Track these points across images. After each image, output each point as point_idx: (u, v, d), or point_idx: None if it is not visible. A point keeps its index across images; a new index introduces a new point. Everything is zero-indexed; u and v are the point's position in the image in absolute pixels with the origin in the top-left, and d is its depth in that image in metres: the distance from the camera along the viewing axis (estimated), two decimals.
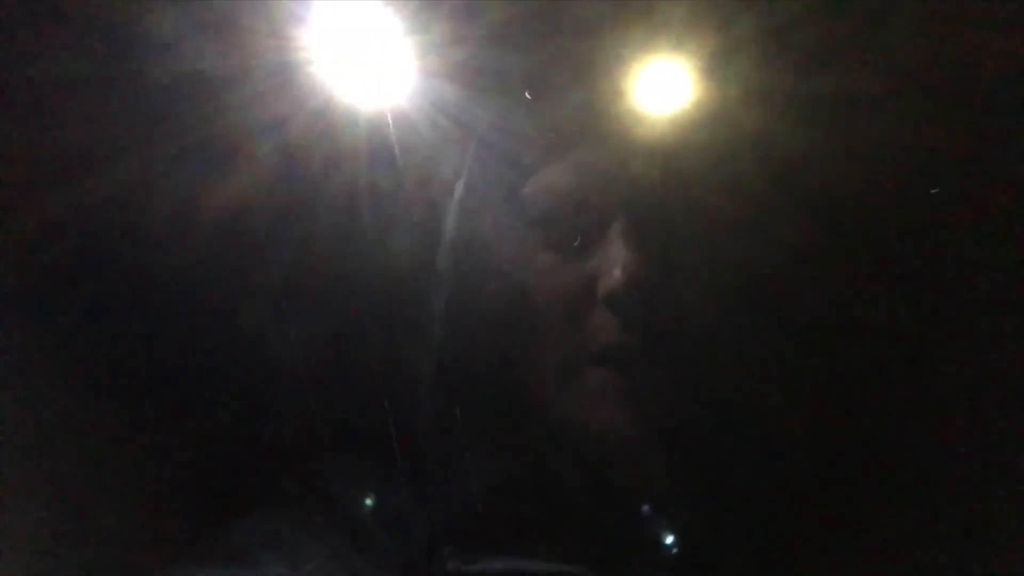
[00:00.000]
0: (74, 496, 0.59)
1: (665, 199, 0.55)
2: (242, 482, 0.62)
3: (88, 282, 0.60)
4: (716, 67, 0.56)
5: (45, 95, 0.54)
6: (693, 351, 0.56)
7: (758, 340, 0.57)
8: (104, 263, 0.60)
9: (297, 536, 0.55)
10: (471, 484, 0.56)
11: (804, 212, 0.57)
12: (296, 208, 0.58)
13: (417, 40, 0.53)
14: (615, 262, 0.54)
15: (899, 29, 0.56)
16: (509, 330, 0.58)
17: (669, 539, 0.57)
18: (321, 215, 0.58)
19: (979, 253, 0.58)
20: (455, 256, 0.57)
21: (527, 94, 0.57)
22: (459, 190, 0.58)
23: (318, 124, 0.54)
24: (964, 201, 0.58)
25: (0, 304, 0.57)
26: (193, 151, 0.56)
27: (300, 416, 0.64)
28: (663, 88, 0.56)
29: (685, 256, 0.56)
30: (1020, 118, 0.56)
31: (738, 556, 0.57)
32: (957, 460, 0.57)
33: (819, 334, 0.59)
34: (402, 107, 0.55)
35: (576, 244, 0.56)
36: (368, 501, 0.58)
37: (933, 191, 0.58)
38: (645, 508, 0.58)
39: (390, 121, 0.55)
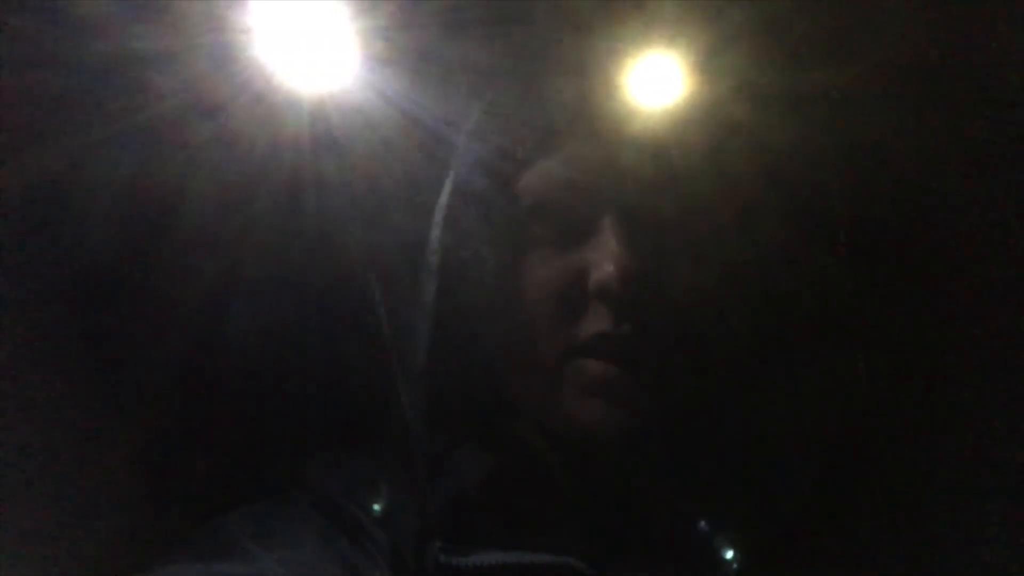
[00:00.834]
0: (74, 496, 0.58)
1: (657, 192, 0.56)
2: (232, 475, 0.62)
3: (30, 268, 0.58)
4: (708, 60, 0.56)
5: None
6: (685, 343, 0.56)
7: (750, 332, 0.58)
8: (45, 249, 0.58)
9: (285, 529, 0.55)
10: (462, 477, 0.56)
11: (796, 206, 0.58)
12: (236, 196, 0.56)
13: (362, 24, 0.52)
14: (606, 255, 0.54)
15: (893, 23, 0.56)
16: (498, 322, 0.58)
17: (661, 529, 0.57)
18: (262, 204, 0.56)
19: (979, 251, 0.58)
20: (446, 248, 0.57)
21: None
22: (447, 182, 0.58)
23: (259, 109, 0.53)
24: (962, 198, 0.58)
25: None
26: (128, 136, 0.54)
27: (290, 409, 0.64)
28: (655, 81, 0.56)
29: (677, 249, 0.56)
30: (1018, 114, 0.56)
31: (731, 544, 0.57)
32: (962, 460, 0.57)
33: (811, 327, 0.60)
34: (346, 92, 0.53)
35: (568, 237, 0.56)
36: (358, 495, 0.58)
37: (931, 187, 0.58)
38: (636, 499, 0.58)
39: (333, 107, 0.53)
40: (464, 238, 0.58)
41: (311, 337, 0.63)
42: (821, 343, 0.60)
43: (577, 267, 0.55)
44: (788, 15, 0.56)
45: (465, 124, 0.58)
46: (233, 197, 0.56)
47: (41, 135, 0.54)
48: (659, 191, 0.55)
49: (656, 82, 0.56)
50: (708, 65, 0.55)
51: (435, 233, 0.57)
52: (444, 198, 0.57)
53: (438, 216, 0.57)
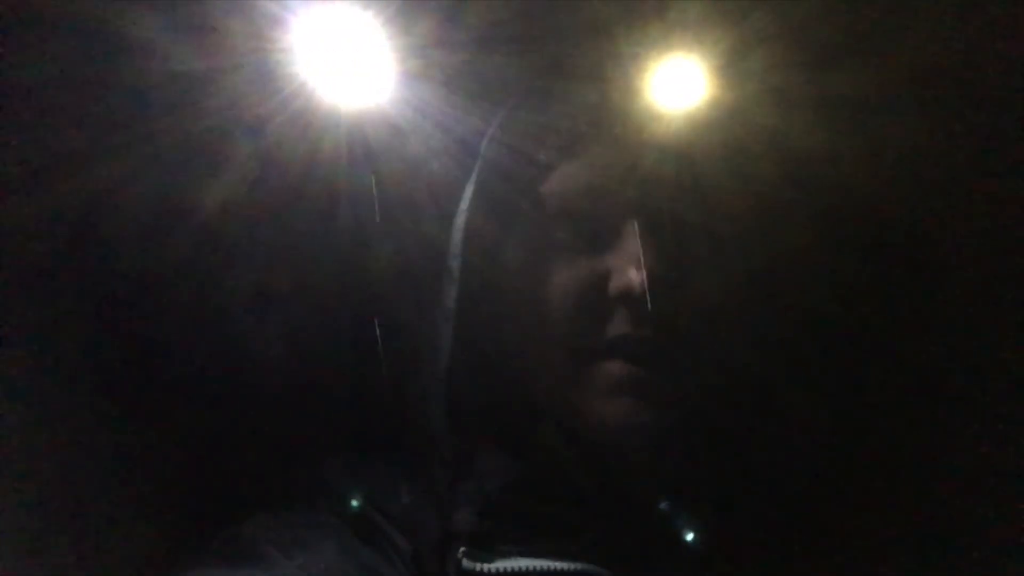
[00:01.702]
0: (77, 497, 0.59)
1: (679, 197, 0.56)
2: (255, 480, 0.62)
3: (75, 281, 0.60)
4: (731, 65, 0.56)
5: (27, 98, 0.53)
6: (707, 346, 0.56)
7: (772, 336, 0.58)
8: (89, 263, 0.60)
9: (307, 534, 0.55)
10: (484, 482, 0.56)
11: (818, 209, 0.58)
12: (275, 209, 0.57)
13: (399, 43, 0.53)
14: (629, 259, 0.54)
15: (915, 28, 0.57)
16: (520, 325, 0.58)
17: (688, 536, 0.57)
18: (299, 216, 0.57)
19: (996, 252, 0.59)
20: (467, 253, 0.57)
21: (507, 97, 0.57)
22: (468, 188, 0.58)
23: (299, 126, 0.54)
24: (980, 200, 0.59)
25: None
26: (174, 153, 0.56)
27: (314, 414, 0.65)
28: (678, 86, 0.56)
29: (699, 253, 0.56)
30: None
31: (757, 550, 0.57)
32: (966, 460, 0.58)
33: (833, 330, 0.60)
34: (384, 108, 0.55)
35: (590, 241, 0.56)
36: (380, 501, 0.58)
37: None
38: (662, 505, 0.57)
39: (370, 122, 0.55)
40: (486, 243, 0.58)
41: (335, 343, 0.65)
42: (842, 345, 0.60)
43: (600, 271, 0.55)
44: (811, 19, 0.57)
45: (489, 130, 0.59)
46: (272, 210, 0.58)
47: (87, 153, 0.55)
48: (681, 196, 0.56)
49: (679, 87, 0.56)
50: (731, 69, 0.56)
51: (456, 238, 0.57)
52: (465, 203, 0.58)
53: (459, 221, 0.57)
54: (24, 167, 0.55)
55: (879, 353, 0.62)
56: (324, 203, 0.58)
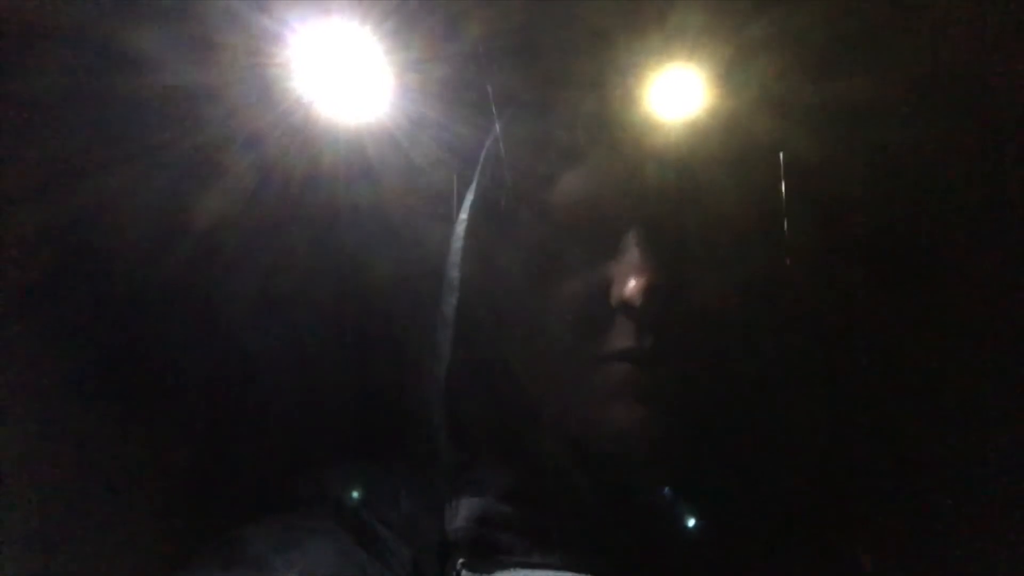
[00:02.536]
0: (80, 502, 0.59)
1: (680, 206, 0.55)
2: (256, 487, 0.63)
3: (72, 293, 0.60)
4: (731, 73, 0.56)
5: (26, 110, 0.54)
6: (708, 357, 0.56)
7: (773, 344, 0.57)
8: (92, 273, 0.60)
9: (306, 541, 0.55)
10: (484, 492, 0.56)
11: (819, 218, 0.58)
12: (274, 222, 0.58)
13: (396, 57, 0.53)
14: (630, 269, 0.54)
15: (915, 36, 0.57)
16: (523, 336, 0.58)
17: (691, 546, 0.56)
18: (298, 228, 0.58)
19: (1000, 261, 0.59)
20: (466, 262, 0.57)
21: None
22: (467, 198, 0.58)
23: (298, 139, 0.55)
24: (981, 208, 0.59)
25: None
26: (173, 166, 0.56)
27: (313, 422, 0.65)
28: (678, 94, 0.56)
29: (700, 263, 0.56)
30: None
31: (760, 557, 0.56)
32: (966, 462, 0.58)
33: (835, 339, 0.60)
34: (382, 121, 0.55)
35: (590, 250, 0.56)
36: (380, 509, 0.58)
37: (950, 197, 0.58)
38: (664, 516, 0.57)
39: (368, 136, 0.55)
40: (485, 252, 0.58)
41: (336, 352, 0.65)
42: (846, 354, 0.60)
43: (600, 281, 0.55)
44: (811, 27, 0.56)
45: (487, 140, 0.59)
46: (272, 222, 0.58)
47: (89, 165, 0.56)
48: (682, 205, 0.55)
49: (678, 95, 0.56)
50: (731, 78, 0.56)
51: (456, 247, 0.57)
52: (465, 212, 0.58)
53: (459, 230, 0.58)
54: (26, 179, 0.56)
55: (882, 363, 0.62)
56: (323, 215, 0.59)
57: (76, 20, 0.54)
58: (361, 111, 0.55)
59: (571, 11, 0.58)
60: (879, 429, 0.61)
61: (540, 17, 0.58)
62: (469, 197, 0.58)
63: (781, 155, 0.57)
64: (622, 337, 0.54)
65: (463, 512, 0.55)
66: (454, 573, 0.53)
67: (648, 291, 0.52)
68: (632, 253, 0.54)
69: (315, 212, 0.58)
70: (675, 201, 0.55)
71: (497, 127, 0.58)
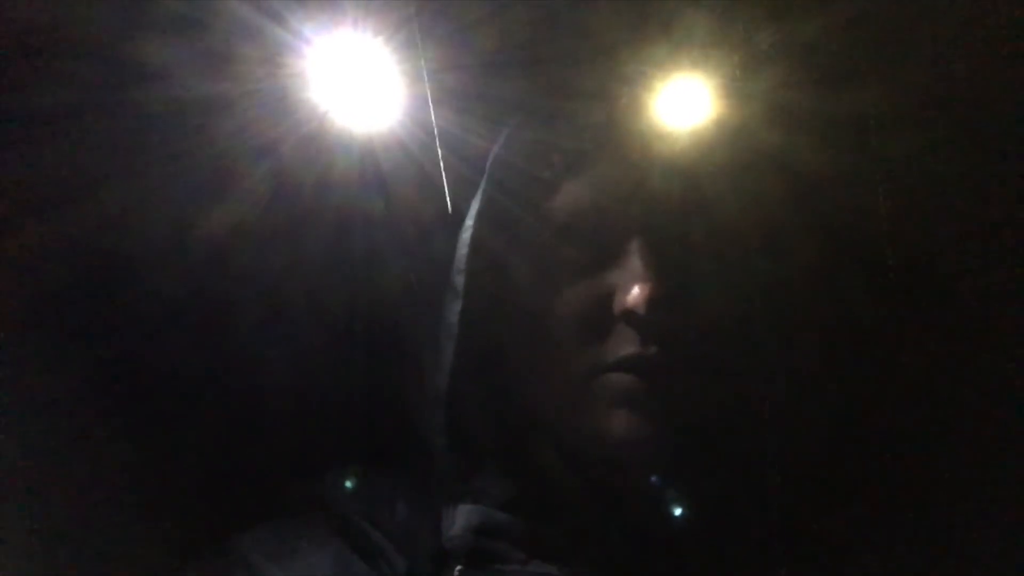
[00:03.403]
0: (81, 507, 0.59)
1: (684, 215, 0.56)
2: (249, 493, 0.62)
3: (88, 301, 0.61)
4: (737, 83, 0.56)
5: (41, 123, 0.55)
6: (711, 364, 0.56)
7: (777, 354, 0.58)
8: (106, 283, 0.61)
9: (301, 548, 0.55)
10: (484, 499, 0.56)
11: (824, 228, 0.58)
12: (291, 229, 0.59)
13: (408, 67, 0.54)
14: (633, 278, 0.54)
15: (921, 47, 0.57)
16: (523, 343, 0.58)
17: (690, 555, 0.56)
18: (310, 237, 0.58)
19: (1005, 274, 0.59)
20: (471, 269, 0.57)
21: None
22: (474, 205, 0.59)
23: (312, 148, 0.55)
24: (987, 220, 0.59)
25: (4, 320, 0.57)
26: (187, 177, 0.57)
27: (310, 429, 0.65)
28: (683, 105, 0.57)
29: (704, 272, 0.56)
30: None
31: (758, 565, 0.56)
32: (965, 467, 0.58)
33: (838, 349, 0.60)
34: (394, 131, 0.56)
35: (595, 258, 0.56)
36: (377, 516, 0.58)
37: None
38: (664, 526, 0.57)
39: (383, 146, 0.56)
40: (490, 259, 0.58)
41: (339, 359, 0.65)
42: (849, 364, 0.60)
43: (604, 290, 0.55)
44: (817, 38, 0.57)
45: (494, 148, 0.59)
46: (284, 231, 0.59)
47: (104, 177, 0.57)
48: (686, 214, 0.56)
49: (684, 106, 0.56)
50: (736, 89, 0.56)
51: (461, 253, 0.58)
52: (471, 220, 0.58)
53: (465, 236, 0.58)
54: (42, 189, 0.56)
55: (886, 373, 0.61)
56: (335, 223, 0.59)
57: (92, 33, 0.54)
58: (373, 121, 0.56)
59: (578, 21, 0.59)
60: (882, 442, 0.61)
61: (547, 28, 0.59)
62: (475, 205, 0.59)
63: (786, 166, 0.57)
64: (625, 346, 0.54)
65: (461, 520, 0.55)
66: None
67: (651, 300, 0.53)
68: (636, 262, 0.54)
69: (327, 220, 0.59)
70: (679, 211, 0.56)
71: (504, 136, 0.59)
